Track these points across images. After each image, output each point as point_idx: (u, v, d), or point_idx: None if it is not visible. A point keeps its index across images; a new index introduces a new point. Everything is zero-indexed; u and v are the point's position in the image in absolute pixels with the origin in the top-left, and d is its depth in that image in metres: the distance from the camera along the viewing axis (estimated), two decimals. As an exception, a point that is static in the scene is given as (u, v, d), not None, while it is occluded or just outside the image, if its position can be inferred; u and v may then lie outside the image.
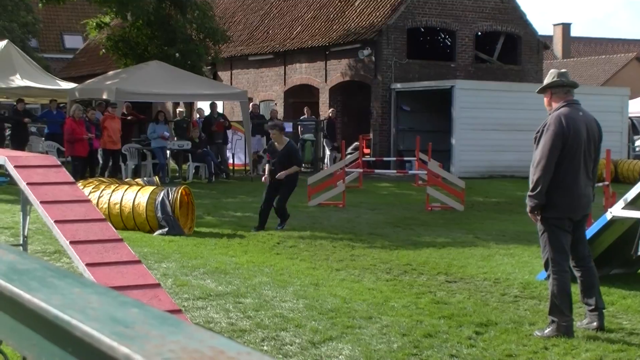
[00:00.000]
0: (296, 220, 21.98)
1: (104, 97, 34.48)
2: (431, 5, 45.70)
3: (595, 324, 10.69)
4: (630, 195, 13.44)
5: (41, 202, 9.92)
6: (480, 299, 12.98)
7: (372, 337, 10.57)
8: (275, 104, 50.12)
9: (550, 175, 10.45)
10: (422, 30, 48.28)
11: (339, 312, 11.80)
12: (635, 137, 50.92)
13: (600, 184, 19.64)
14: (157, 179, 24.57)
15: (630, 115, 45.72)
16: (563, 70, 11.20)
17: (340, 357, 9.69)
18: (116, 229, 11.26)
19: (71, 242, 9.44)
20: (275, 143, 20.99)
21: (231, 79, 53.59)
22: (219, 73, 53.54)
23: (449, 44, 48.61)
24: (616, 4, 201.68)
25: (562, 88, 10.81)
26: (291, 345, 10.14)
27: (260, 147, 39.18)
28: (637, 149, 48.12)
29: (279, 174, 20.43)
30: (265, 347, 10.05)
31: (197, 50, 40.83)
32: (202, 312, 11.81)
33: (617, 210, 13.57)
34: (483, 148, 39.35)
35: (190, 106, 46.07)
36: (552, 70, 11.21)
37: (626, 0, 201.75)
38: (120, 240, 9.92)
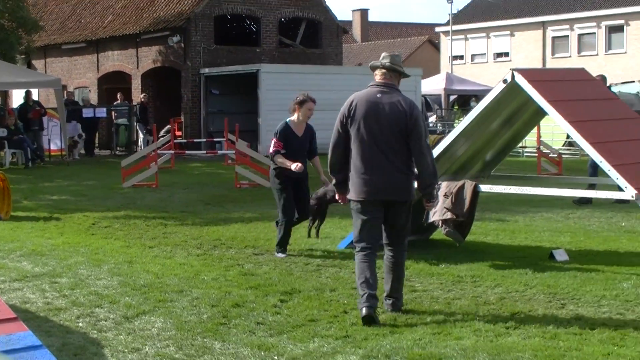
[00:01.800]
0: (111, 202, 21.98)
1: None
2: (237, -7, 46.10)
3: (389, 309, 10.36)
4: (421, 167, 13.74)
5: None
6: (285, 269, 13.09)
7: (184, 309, 10.57)
8: (89, 90, 49.87)
9: (337, 155, 10.36)
10: (229, 17, 48.38)
11: (152, 287, 11.78)
12: (429, 113, 52.03)
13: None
14: (-26, 166, 24.15)
15: (423, 93, 46.73)
16: (394, 53, 10.75)
17: (152, 329, 9.67)
18: None
19: None
20: (295, 124, 14.55)
21: (45, 67, 53.01)
22: (34, 62, 52.86)
23: (255, 30, 48.97)
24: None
25: (378, 69, 10.47)
26: (106, 321, 10.07)
27: (75, 132, 38.84)
28: (430, 125, 49.10)
29: (324, 179, 15.12)
30: (80, 324, 9.96)
31: (9, 40, 40.03)
32: (18, 294, 11.63)
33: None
34: (289, 128, 39.72)
35: (5, 94, 45.17)
36: (383, 53, 10.98)
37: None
38: None
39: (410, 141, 9.93)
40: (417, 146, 9.91)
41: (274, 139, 14.20)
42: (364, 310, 9.80)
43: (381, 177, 10.02)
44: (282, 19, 48.46)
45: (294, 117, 14.50)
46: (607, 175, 12.28)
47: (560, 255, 13.68)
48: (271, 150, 14.25)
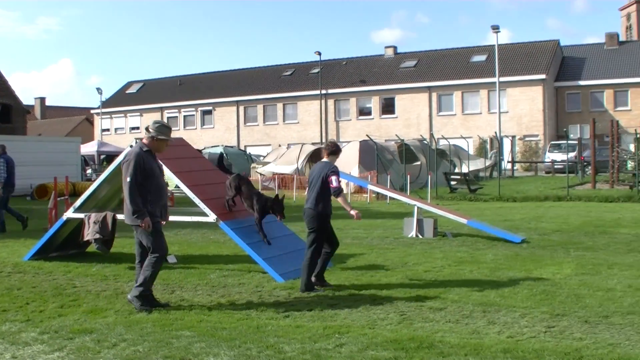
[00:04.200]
0: None
1: None
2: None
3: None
4: (77, 204, 13.43)
5: None
6: (-16, 276, 12.27)
7: None
8: None
9: None
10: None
11: None
12: (87, 167, 50.56)
13: (62, 198, 19.21)
14: None
15: (82, 154, 45.49)
16: (158, 121, 9.76)
17: None
18: None
19: None
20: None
21: None
22: None
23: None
24: (71, 84, 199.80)
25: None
26: None
27: None
28: (88, 174, 47.70)
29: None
30: None
31: None
32: None
33: (70, 213, 13.50)
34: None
35: None
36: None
37: (79, 82, 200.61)
38: None
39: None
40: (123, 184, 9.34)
41: (335, 176, 10.48)
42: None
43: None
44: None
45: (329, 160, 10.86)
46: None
47: (171, 259, 13.67)
48: (336, 184, 10.42)
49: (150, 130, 9.56)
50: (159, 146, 9.66)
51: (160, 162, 9.77)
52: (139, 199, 9.21)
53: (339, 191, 10.45)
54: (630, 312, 8.93)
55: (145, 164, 9.31)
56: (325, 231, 10.66)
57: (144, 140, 9.60)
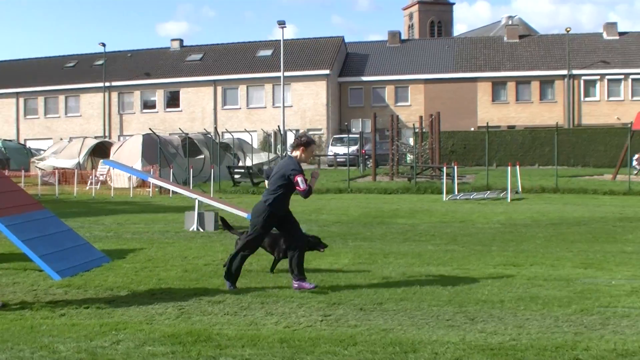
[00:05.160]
0: None
1: None
2: None
3: None
4: None
5: None
6: None
7: None
8: None
9: None
10: None
11: None
12: None
13: None
14: None
15: None
16: None
17: None
18: None
19: None
20: (298, 161, 10.06)
21: None
22: None
23: None
24: None
25: None
26: None
27: None
28: None
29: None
30: None
31: None
32: None
33: None
34: None
35: None
36: None
37: None
38: None
39: None
40: None
41: (299, 177, 9.75)
42: None
43: None
44: None
45: (297, 155, 10.04)
46: None
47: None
48: (304, 186, 9.74)
49: None
50: None
51: None
52: None
53: (308, 193, 9.86)
54: (403, 299, 9.47)
55: None
56: (267, 231, 10.18)
57: None
